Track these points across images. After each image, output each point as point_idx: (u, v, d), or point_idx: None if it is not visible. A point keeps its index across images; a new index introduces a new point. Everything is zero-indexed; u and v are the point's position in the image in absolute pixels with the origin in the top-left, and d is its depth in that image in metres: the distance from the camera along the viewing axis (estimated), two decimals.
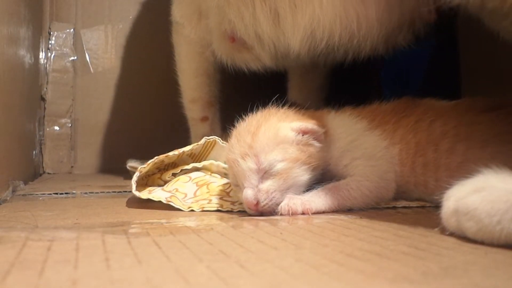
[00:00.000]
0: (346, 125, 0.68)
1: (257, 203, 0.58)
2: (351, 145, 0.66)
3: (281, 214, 0.58)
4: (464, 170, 0.60)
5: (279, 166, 0.60)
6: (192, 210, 0.64)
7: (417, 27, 0.74)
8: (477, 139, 0.62)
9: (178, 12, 0.98)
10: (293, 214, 0.58)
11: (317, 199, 0.60)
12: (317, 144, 0.63)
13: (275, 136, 0.61)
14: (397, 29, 0.73)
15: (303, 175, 0.61)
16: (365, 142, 0.66)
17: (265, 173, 0.60)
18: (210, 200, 0.67)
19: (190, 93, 1.03)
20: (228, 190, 0.69)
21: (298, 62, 0.90)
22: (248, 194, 0.59)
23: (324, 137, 0.64)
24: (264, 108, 0.67)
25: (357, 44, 0.74)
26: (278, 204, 0.59)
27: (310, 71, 1.10)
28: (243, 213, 0.62)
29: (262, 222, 0.54)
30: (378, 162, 0.64)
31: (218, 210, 0.65)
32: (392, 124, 0.67)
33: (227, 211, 0.64)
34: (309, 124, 0.63)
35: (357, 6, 0.69)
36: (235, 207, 0.65)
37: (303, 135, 0.62)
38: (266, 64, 0.88)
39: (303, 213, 0.58)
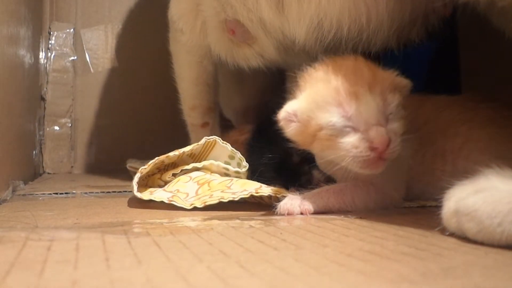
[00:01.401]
0: None
1: (389, 143, 0.51)
2: None
3: (279, 214, 0.58)
4: (465, 151, 0.61)
5: (403, 111, 0.54)
6: (195, 207, 0.64)
7: (431, 22, 0.71)
8: (477, 121, 0.63)
9: (175, 8, 0.94)
10: (290, 214, 0.58)
11: (318, 200, 0.59)
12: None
13: (393, 79, 0.56)
14: (410, 24, 0.71)
15: None
16: None
17: (388, 115, 0.53)
18: (211, 195, 0.66)
19: (190, 100, 1.02)
20: (229, 185, 0.69)
21: (304, 58, 0.87)
22: (382, 131, 0.51)
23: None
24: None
25: (367, 39, 0.72)
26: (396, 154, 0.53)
27: None
28: (244, 205, 0.62)
29: (262, 222, 0.54)
30: (399, 165, 0.61)
31: (220, 203, 0.64)
32: (411, 115, 0.67)
33: (228, 211, 0.64)
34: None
35: None
36: (236, 195, 0.64)
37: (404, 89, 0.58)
38: (270, 56, 0.84)
39: (301, 213, 0.58)
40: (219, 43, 0.88)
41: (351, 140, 0.52)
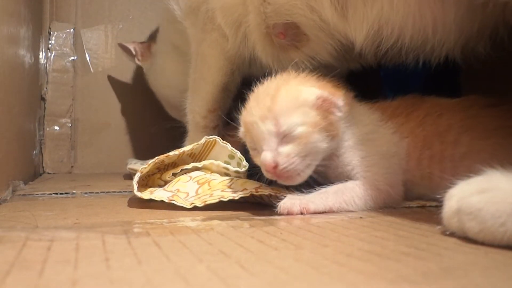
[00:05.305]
0: (364, 113, 0.67)
1: (276, 166, 0.58)
2: (367, 137, 0.64)
3: (279, 213, 0.58)
4: (467, 161, 0.62)
5: (299, 130, 0.59)
6: (195, 206, 0.64)
7: (500, 34, 0.66)
8: (480, 130, 0.63)
9: (223, 12, 0.91)
10: (290, 213, 0.58)
11: (318, 200, 0.59)
12: (338, 113, 0.62)
13: (296, 99, 0.60)
14: (478, 36, 0.67)
15: (322, 142, 0.60)
16: (379, 135, 0.65)
17: (284, 137, 0.59)
18: (212, 194, 0.66)
19: (212, 104, 1.02)
20: (229, 184, 0.69)
21: (356, 64, 0.87)
22: (267, 156, 0.58)
23: (346, 109, 0.63)
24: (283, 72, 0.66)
25: (430, 50, 0.69)
26: (297, 171, 0.59)
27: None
28: (244, 205, 0.62)
29: (262, 222, 0.54)
30: (391, 162, 0.63)
31: (220, 202, 0.64)
32: (403, 118, 0.67)
33: (228, 211, 0.64)
34: (329, 94, 0.61)
35: (435, 7, 0.62)
36: (236, 195, 0.64)
37: (323, 102, 0.61)
38: (321, 58, 0.83)
39: (301, 213, 0.58)
40: (264, 48, 0.87)
41: (257, 160, 0.63)
